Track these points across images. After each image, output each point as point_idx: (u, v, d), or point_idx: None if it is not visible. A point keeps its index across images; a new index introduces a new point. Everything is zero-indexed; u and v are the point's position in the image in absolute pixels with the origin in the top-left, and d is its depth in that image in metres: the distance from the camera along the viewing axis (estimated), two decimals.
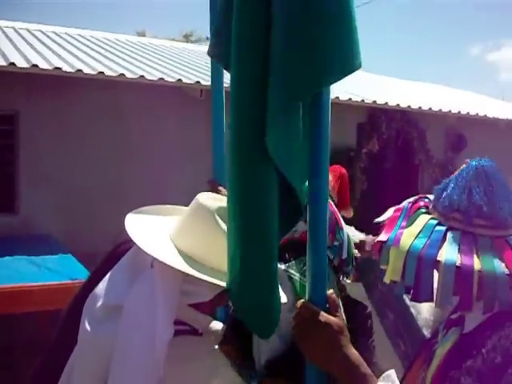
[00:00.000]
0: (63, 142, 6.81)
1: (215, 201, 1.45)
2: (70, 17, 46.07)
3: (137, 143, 7.15)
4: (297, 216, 1.44)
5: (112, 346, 1.30)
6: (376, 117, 9.30)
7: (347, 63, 1.14)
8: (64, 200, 6.82)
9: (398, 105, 8.99)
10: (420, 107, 9.25)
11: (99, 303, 1.36)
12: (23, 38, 8.34)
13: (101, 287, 1.39)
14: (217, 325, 1.60)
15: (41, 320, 4.66)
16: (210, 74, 2.02)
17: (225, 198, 1.40)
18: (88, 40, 9.45)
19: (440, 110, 9.46)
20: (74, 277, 4.72)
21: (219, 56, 1.38)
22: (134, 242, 1.38)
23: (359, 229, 2.83)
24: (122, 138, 7.08)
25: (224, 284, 1.35)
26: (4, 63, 5.91)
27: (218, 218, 1.40)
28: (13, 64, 5.89)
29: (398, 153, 9.78)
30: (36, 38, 8.66)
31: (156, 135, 7.26)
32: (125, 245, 1.48)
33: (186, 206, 1.51)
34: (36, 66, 6.00)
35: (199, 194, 1.48)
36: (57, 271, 4.95)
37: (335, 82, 1.14)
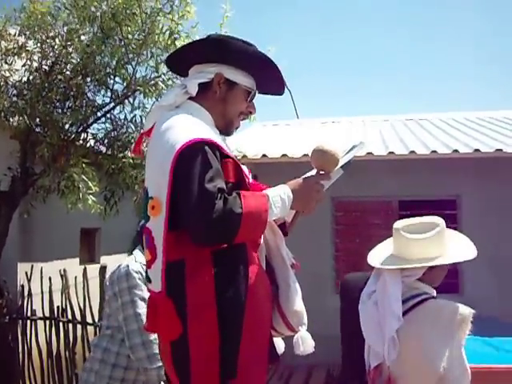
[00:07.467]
0: (504, 222, 6.78)
1: None
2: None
3: None
4: None
5: None
6: None
7: None
8: (505, 280, 6.70)
9: None
10: None
11: None
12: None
13: None
14: None
15: None
16: None
17: None
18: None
19: None
20: None
21: None
22: None
23: None
24: None
25: None
26: (447, 151, 6.35)
27: None
28: (456, 151, 6.28)
29: None
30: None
31: None
32: None
33: None
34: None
35: None
36: None
37: None
